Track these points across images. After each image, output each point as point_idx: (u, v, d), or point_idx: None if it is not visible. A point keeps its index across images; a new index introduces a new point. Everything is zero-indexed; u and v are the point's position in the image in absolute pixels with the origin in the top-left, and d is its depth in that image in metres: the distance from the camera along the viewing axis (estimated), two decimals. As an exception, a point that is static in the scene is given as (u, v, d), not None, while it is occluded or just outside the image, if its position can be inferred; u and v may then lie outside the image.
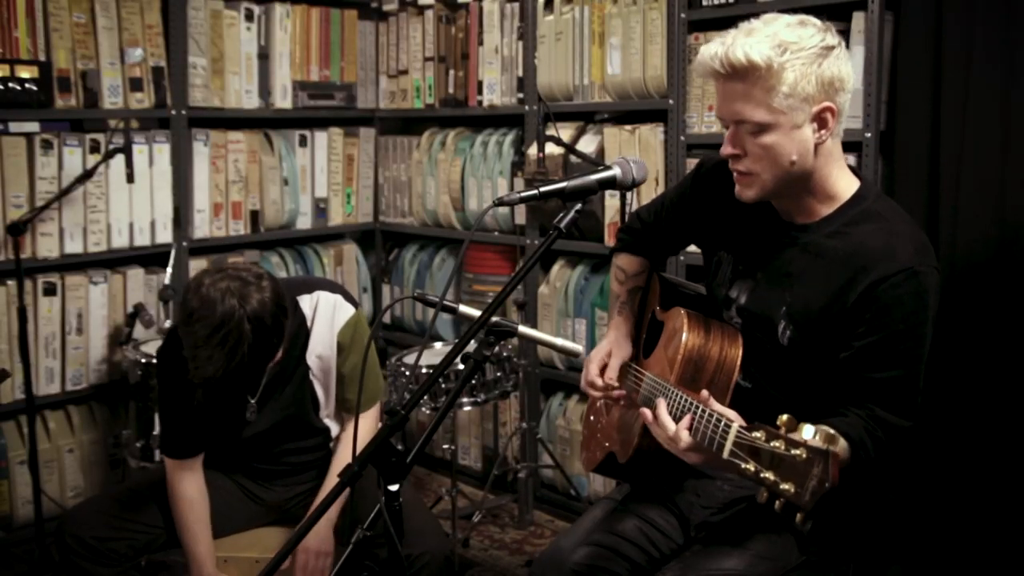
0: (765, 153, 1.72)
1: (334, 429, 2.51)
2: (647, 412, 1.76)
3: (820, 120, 1.71)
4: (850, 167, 1.85)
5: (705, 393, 1.68)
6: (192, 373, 2.11)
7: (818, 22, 1.73)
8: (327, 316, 2.39)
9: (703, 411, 1.62)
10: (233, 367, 2.07)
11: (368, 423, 2.44)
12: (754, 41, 1.67)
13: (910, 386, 1.72)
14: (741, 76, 1.68)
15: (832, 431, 1.38)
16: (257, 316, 2.07)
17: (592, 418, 2.24)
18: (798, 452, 1.37)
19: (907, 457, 2.66)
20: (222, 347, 2.05)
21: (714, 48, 1.71)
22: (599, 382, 2.04)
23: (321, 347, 2.39)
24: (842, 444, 1.66)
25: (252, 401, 2.38)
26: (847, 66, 1.72)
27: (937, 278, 1.72)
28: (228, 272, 2.12)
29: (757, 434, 1.45)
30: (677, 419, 1.70)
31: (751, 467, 1.44)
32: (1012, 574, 2.57)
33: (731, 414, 1.63)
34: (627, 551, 1.97)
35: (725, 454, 1.52)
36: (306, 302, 2.39)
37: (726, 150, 1.77)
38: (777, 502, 1.41)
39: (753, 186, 1.77)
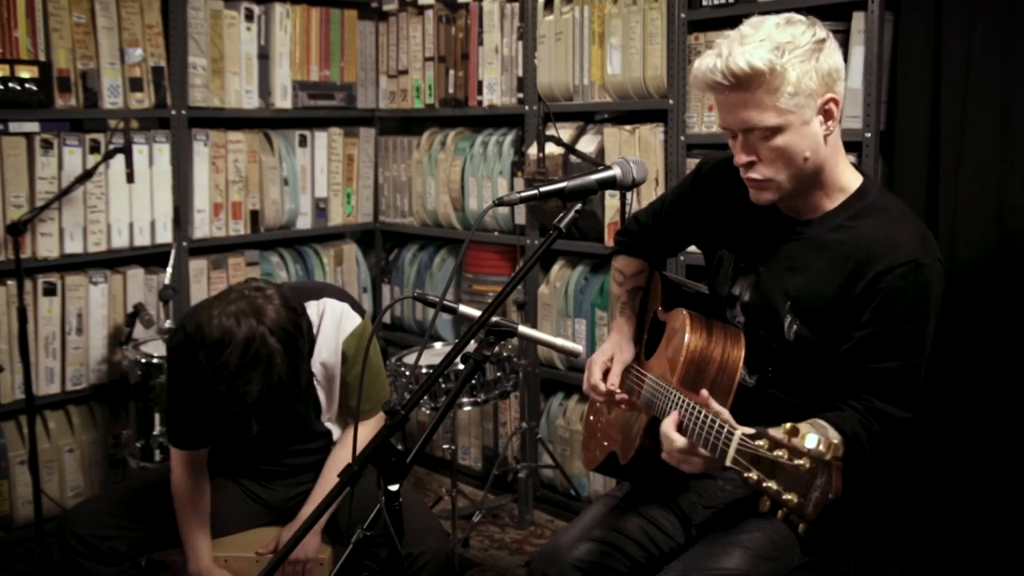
0: (779, 155, 1.72)
1: (335, 432, 2.51)
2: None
3: (826, 112, 1.73)
4: (854, 165, 1.86)
5: (704, 393, 1.67)
6: (237, 406, 2.11)
7: (803, 18, 1.75)
8: (333, 324, 2.39)
9: (705, 416, 1.62)
10: (276, 380, 2.08)
11: (370, 429, 2.44)
12: (751, 48, 1.67)
13: (910, 377, 1.72)
14: (745, 84, 1.68)
15: (835, 440, 1.37)
16: (278, 326, 2.08)
17: (592, 418, 2.24)
18: (801, 462, 1.36)
19: (907, 456, 2.67)
20: (256, 367, 2.06)
21: (711, 61, 1.71)
22: (602, 387, 2.03)
23: (326, 354, 2.39)
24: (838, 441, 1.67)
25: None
26: (838, 55, 1.75)
27: (940, 271, 1.73)
28: (230, 296, 2.12)
29: (760, 442, 1.44)
30: (681, 426, 1.70)
31: (754, 475, 1.43)
32: (1012, 574, 2.57)
33: (726, 415, 1.62)
34: (627, 548, 1.97)
35: (728, 461, 1.51)
36: (313, 308, 2.39)
37: (740, 160, 1.76)
38: (780, 511, 1.40)
39: (769, 189, 1.77)
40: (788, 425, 1.42)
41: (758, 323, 1.87)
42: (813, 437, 1.38)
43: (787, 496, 1.38)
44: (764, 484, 1.41)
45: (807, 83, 1.68)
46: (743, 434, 1.50)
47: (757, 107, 1.69)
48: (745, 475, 1.45)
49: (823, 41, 1.71)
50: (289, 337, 2.10)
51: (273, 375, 2.07)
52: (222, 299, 2.13)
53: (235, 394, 2.09)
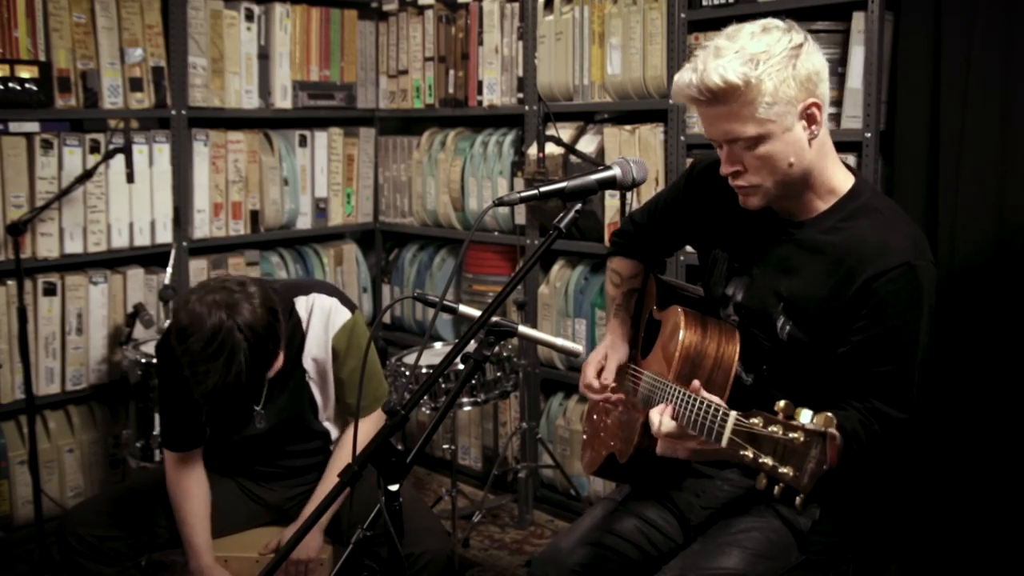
0: (763, 163, 1.73)
1: (333, 432, 2.50)
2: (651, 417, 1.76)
3: (808, 117, 1.73)
4: (847, 166, 1.86)
5: (696, 383, 1.68)
6: (195, 390, 2.11)
7: (781, 23, 1.74)
8: (322, 319, 2.38)
9: (699, 401, 1.63)
10: (232, 377, 2.08)
11: (369, 426, 2.43)
12: (725, 61, 1.67)
13: (906, 379, 1.73)
14: (721, 98, 1.69)
15: (830, 414, 1.38)
16: (248, 324, 2.08)
17: (595, 417, 2.25)
18: (795, 435, 1.38)
19: (906, 456, 2.67)
20: (217, 359, 2.06)
21: (687, 76, 1.71)
22: (596, 384, 2.05)
23: (316, 350, 2.39)
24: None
25: (258, 409, 2.38)
26: (818, 57, 1.73)
27: (933, 273, 1.74)
28: (213, 286, 2.14)
29: (755, 420, 1.46)
30: (677, 416, 1.71)
31: (750, 453, 1.45)
32: (1012, 574, 2.57)
33: (719, 400, 1.64)
34: (626, 551, 1.98)
35: (724, 442, 1.52)
36: (302, 304, 2.39)
37: (725, 170, 1.78)
38: (776, 487, 1.41)
39: (757, 195, 1.78)
40: (783, 403, 1.44)
41: (751, 323, 1.88)
42: (807, 412, 1.40)
43: (783, 470, 1.39)
44: (760, 460, 1.43)
45: (785, 91, 1.68)
46: (738, 414, 1.51)
47: (736, 119, 1.69)
48: (741, 453, 1.47)
49: (800, 46, 1.70)
50: (258, 337, 2.09)
51: (231, 370, 2.07)
52: (204, 287, 2.14)
53: (193, 381, 2.10)
